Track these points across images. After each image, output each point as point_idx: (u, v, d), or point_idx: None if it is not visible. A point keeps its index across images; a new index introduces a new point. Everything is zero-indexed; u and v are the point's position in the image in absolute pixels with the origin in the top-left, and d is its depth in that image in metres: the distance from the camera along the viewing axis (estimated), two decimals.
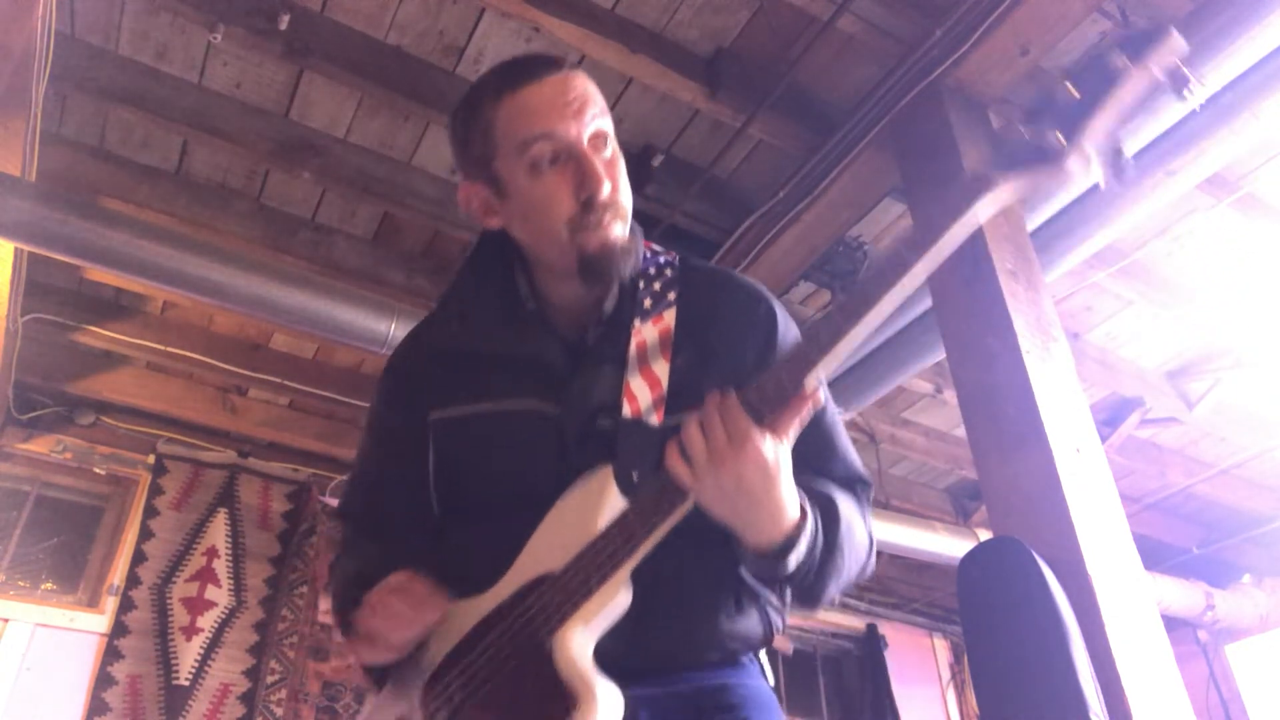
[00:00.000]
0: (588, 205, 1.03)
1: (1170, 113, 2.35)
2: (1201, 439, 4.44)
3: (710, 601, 1.02)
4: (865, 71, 2.70)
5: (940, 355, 3.20)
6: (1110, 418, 4.10)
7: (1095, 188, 2.62)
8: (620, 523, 0.93)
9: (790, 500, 0.91)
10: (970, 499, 4.89)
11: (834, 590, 1.01)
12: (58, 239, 2.51)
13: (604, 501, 0.97)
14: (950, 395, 3.81)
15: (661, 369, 1.05)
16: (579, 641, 0.92)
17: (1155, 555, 5.02)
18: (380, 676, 1.11)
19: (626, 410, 1.03)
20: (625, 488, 0.97)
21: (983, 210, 0.91)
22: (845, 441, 1.13)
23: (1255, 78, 2.33)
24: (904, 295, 0.90)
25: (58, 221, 2.49)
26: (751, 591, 1.04)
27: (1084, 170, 0.93)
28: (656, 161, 2.94)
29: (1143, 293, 3.50)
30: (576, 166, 1.03)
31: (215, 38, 2.50)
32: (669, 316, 1.09)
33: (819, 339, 0.89)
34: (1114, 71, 0.92)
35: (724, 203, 3.10)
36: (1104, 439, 3.46)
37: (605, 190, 1.03)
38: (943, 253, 0.90)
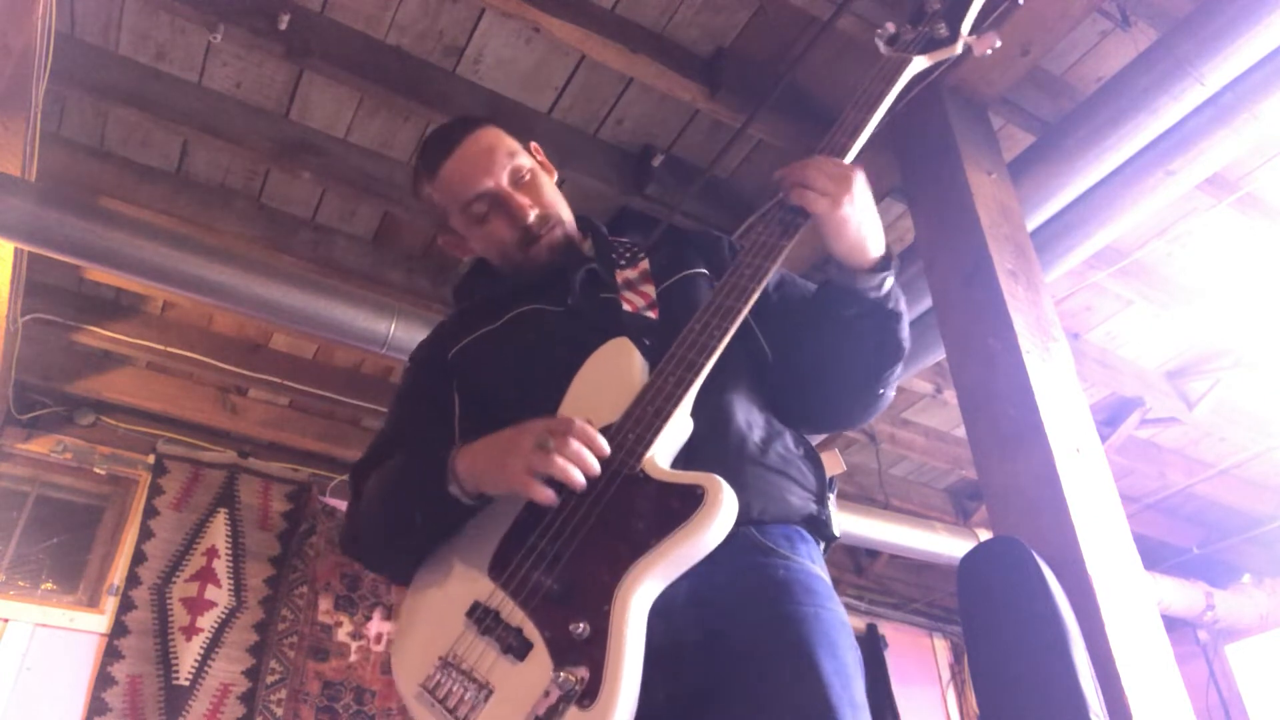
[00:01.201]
0: (525, 231, 1.29)
1: (1170, 113, 2.35)
2: (1201, 439, 4.44)
3: (750, 430, 1.14)
4: (865, 71, 2.69)
5: (940, 355, 3.19)
6: (1110, 418, 4.10)
7: (1095, 186, 2.63)
8: (708, 314, 1.07)
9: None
10: (970, 499, 4.88)
11: (907, 329, 1.19)
12: (58, 239, 2.51)
13: (633, 361, 1.09)
14: (950, 395, 3.81)
15: (648, 288, 1.25)
16: (664, 460, 1.02)
17: (1155, 555, 5.02)
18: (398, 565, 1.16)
19: (625, 307, 1.21)
20: (642, 351, 1.10)
21: (903, 79, 1.33)
22: None
23: (1255, 78, 2.32)
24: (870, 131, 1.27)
25: (58, 221, 2.48)
26: (775, 426, 1.19)
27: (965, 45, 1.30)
28: (656, 161, 2.94)
29: (1143, 293, 3.49)
30: (506, 207, 1.29)
31: (215, 38, 2.49)
32: (643, 264, 1.31)
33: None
34: None
35: (724, 203, 3.10)
36: (1104, 439, 3.46)
37: (533, 215, 1.28)
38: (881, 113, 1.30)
